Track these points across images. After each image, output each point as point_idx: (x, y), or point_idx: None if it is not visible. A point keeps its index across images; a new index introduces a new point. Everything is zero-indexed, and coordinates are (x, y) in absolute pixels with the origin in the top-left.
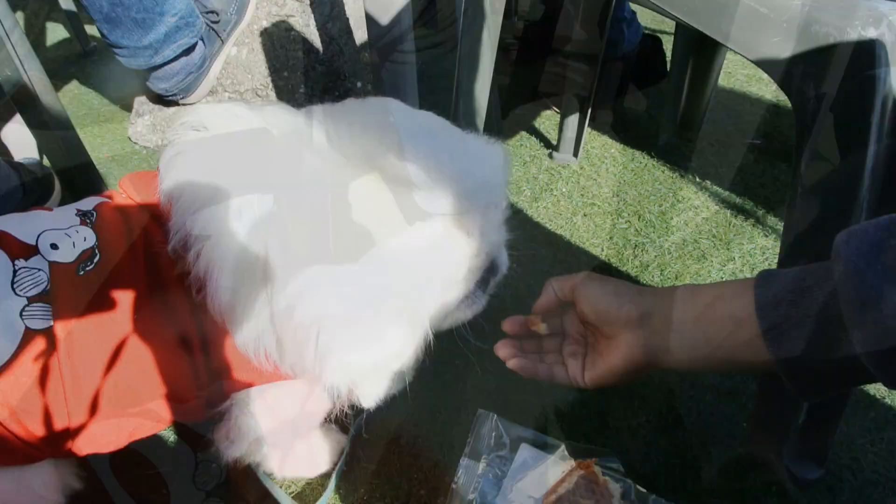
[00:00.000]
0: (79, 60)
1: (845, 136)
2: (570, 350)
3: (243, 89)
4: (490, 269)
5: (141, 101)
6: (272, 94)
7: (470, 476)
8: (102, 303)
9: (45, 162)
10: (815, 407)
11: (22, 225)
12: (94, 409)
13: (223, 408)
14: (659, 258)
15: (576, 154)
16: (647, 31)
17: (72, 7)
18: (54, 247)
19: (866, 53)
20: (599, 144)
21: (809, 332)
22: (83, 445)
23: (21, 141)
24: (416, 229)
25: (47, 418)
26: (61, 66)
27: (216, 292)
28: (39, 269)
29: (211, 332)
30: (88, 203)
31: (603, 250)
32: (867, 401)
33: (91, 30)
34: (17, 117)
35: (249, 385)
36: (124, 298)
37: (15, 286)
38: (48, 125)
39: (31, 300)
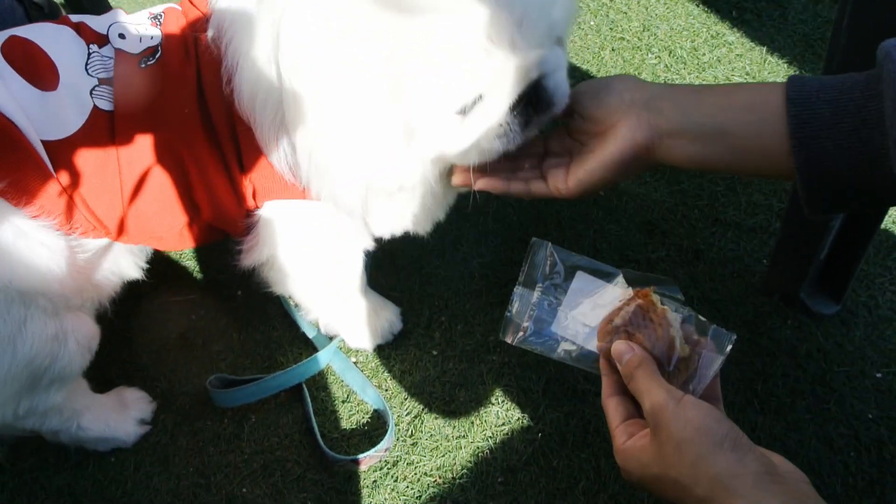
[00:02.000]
0: None
1: None
2: (552, 163)
3: None
4: (534, 101)
5: None
6: None
7: (524, 304)
8: (158, 98)
9: None
10: (836, 244)
11: (98, 19)
12: (139, 205)
13: (252, 221)
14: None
15: None
16: None
17: None
18: (122, 37)
19: None
20: None
21: (843, 133)
22: (132, 235)
23: None
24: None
25: (103, 194)
26: None
27: (241, 85)
28: (110, 57)
29: (242, 131)
30: (160, 7)
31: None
32: (891, 241)
33: None
34: None
35: (268, 195)
36: (177, 98)
37: (88, 67)
38: None
39: (101, 81)
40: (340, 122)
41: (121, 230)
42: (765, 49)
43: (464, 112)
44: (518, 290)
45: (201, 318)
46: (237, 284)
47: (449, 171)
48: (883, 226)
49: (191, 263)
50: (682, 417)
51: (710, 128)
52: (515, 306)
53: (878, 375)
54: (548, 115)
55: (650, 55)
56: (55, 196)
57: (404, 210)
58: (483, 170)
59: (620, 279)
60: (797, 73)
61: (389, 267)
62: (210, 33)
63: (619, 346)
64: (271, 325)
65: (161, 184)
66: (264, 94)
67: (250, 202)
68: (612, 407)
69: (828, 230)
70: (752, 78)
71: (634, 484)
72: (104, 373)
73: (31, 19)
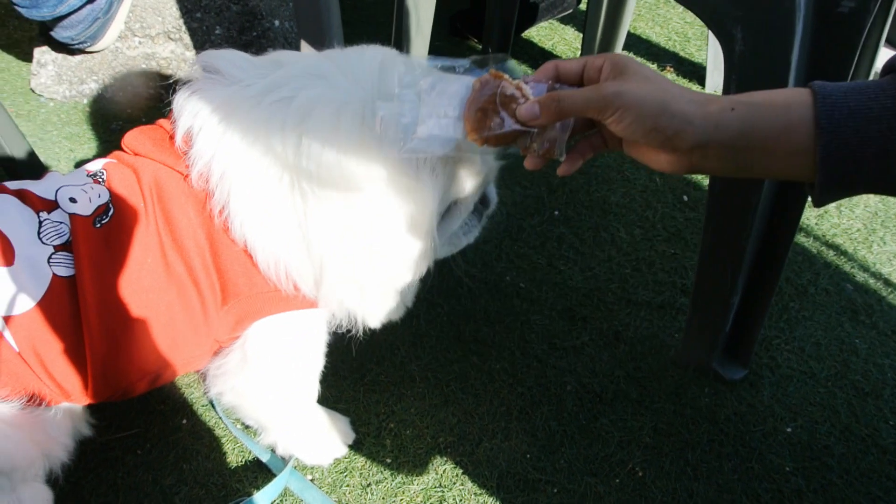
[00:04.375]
0: None
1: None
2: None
3: (154, 33)
4: (483, 201)
5: (42, 51)
6: (186, 37)
7: (390, 113)
8: (119, 255)
9: None
10: (739, 314)
11: (39, 184)
12: (111, 359)
13: (226, 348)
14: (586, 185)
15: None
16: None
17: None
18: (73, 200)
19: None
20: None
21: (869, 119)
22: (98, 392)
23: None
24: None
25: (68, 362)
26: None
27: (240, 213)
28: (61, 222)
29: (226, 260)
30: (96, 164)
31: (533, 181)
32: (781, 305)
33: None
34: None
35: (258, 315)
36: (139, 250)
37: (41, 236)
38: None
39: (56, 248)
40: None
41: (87, 391)
42: None
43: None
44: (379, 105)
45: (148, 453)
46: (181, 413)
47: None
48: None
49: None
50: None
51: (734, 121)
52: (382, 119)
53: (789, 430)
54: (490, 209)
55: None
56: (20, 372)
57: (396, 301)
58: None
59: (468, 65)
60: None
61: (332, 378)
62: (195, 170)
63: (524, 108)
64: (222, 451)
65: (130, 338)
66: (280, 230)
67: (222, 334)
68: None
69: (730, 306)
70: (641, 165)
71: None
72: None
73: None
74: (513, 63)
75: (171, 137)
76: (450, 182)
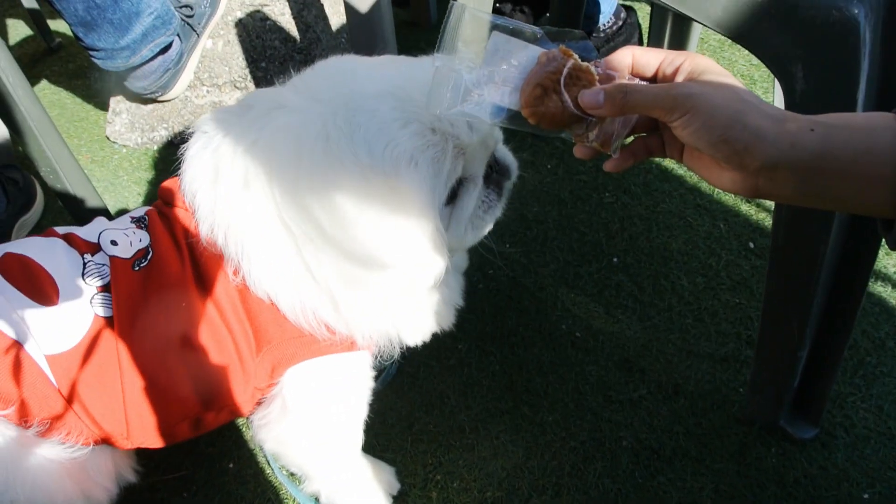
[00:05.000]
0: (45, 58)
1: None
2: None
3: (221, 82)
4: (501, 171)
5: (117, 100)
6: (251, 86)
7: (443, 71)
8: (155, 298)
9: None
10: (808, 369)
11: (84, 228)
12: (146, 402)
13: (267, 396)
14: (646, 231)
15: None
16: (622, 2)
17: (34, 4)
18: (114, 243)
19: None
20: None
21: None
22: (137, 436)
23: None
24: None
25: (107, 403)
26: (27, 66)
27: (252, 270)
28: (104, 264)
29: (255, 308)
30: (140, 211)
31: (592, 226)
32: (856, 359)
33: (55, 24)
34: None
35: (291, 361)
36: (175, 295)
37: (85, 277)
38: (30, 128)
39: (98, 289)
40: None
41: (123, 434)
42: None
43: (453, 198)
44: (437, 58)
45: (194, 496)
46: (228, 457)
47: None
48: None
49: None
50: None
51: (812, 141)
52: (435, 75)
53: (866, 496)
54: (511, 179)
55: (606, 194)
56: (59, 409)
57: (430, 309)
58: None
59: (539, 34)
60: (742, 196)
61: (380, 427)
62: (203, 232)
63: (588, 95)
64: (266, 497)
65: (166, 382)
66: (292, 281)
67: (260, 381)
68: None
69: (797, 359)
70: (704, 209)
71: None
72: None
73: (6, 194)
74: (590, 44)
75: None
76: (439, 165)
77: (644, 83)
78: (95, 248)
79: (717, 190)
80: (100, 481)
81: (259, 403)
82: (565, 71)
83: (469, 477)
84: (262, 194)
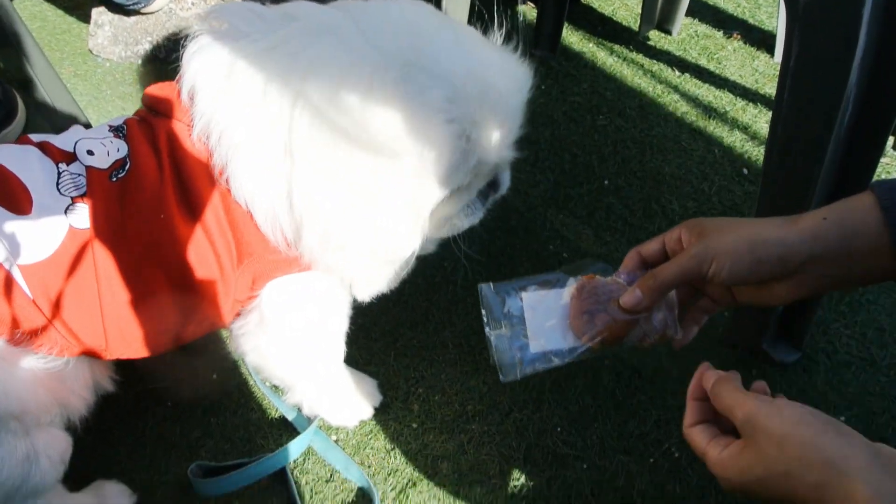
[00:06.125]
0: None
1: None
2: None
3: None
4: (492, 184)
5: (99, 12)
6: None
7: (501, 342)
8: (133, 210)
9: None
10: None
11: (60, 137)
12: (125, 314)
13: (246, 308)
14: (639, 154)
15: (553, 50)
16: None
17: None
18: (90, 153)
19: None
20: (577, 40)
21: None
22: (116, 347)
23: None
24: (432, 125)
25: (84, 314)
26: None
27: (238, 174)
28: (79, 174)
29: (239, 219)
30: (119, 120)
31: (584, 148)
32: None
33: None
34: None
35: (270, 275)
36: (153, 206)
37: (60, 187)
38: (9, 41)
39: (74, 200)
40: (370, 216)
41: (101, 346)
42: (707, 103)
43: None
44: (490, 334)
45: (177, 405)
46: (211, 368)
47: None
48: None
49: None
50: (780, 415)
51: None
52: (495, 349)
53: (843, 419)
54: (498, 194)
55: (601, 116)
56: (34, 320)
57: (388, 274)
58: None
59: (561, 276)
60: (740, 122)
61: (364, 341)
62: (197, 130)
63: (627, 297)
64: (249, 407)
65: (144, 294)
66: (270, 188)
67: (241, 293)
68: (697, 432)
69: None
70: (699, 133)
71: (736, 490)
72: (81, 469)
73: None
74: (601, 263)
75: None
76: (455, 171)
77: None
78: (71, 157)
79: (713, 115)
80: (76, 390)
81: (238, 315)
82: (598, 290)
83: (451, 391)
84: (277, 108)
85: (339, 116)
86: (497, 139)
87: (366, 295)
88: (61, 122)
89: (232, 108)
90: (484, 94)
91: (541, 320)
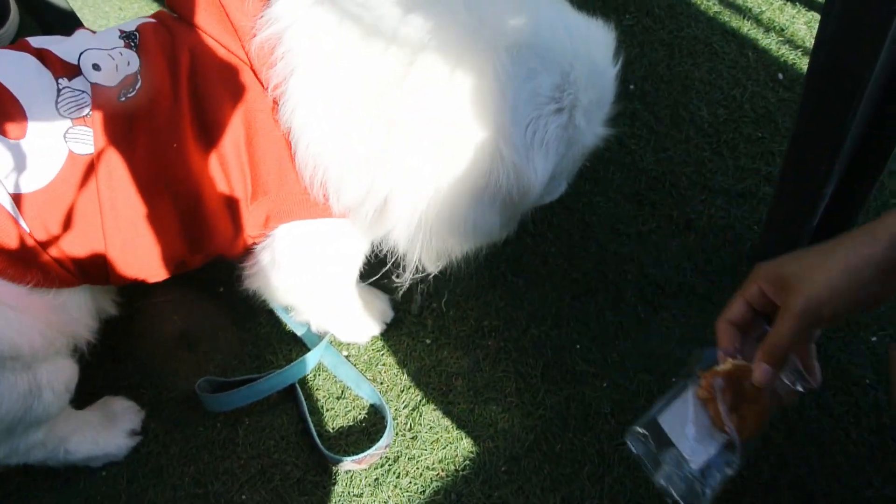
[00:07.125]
0: None
1: None
2: None
3: None
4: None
5: None
6: None
7: (672, 480)
8: (143, 136)
9: None
10: (830, 208)
11: (64, 43)
12: (130, 245)
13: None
14: (668, 58)
15: None
16: None
17: None
18: (97, 67)
19: None
20: None
21: None
22: (119, 276)
23: None
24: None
25: (83, 243)
26: None
27: (294, 94)
28: (83, 91)
29: (261, 152)
30: (131, 24)
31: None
32: (880, 201)
33: None
34: None
35: (286, 217)
36: (166, 132)
37: (59, 107)
38: None
39: (74, 122)
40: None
41: (105, 275)
42: (741, 2)
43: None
44: (660, 480)
45: (184, 320)
46: (219, 281)
47: None
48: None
49: None
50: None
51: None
52: (675, 490)
53: (874, 339)
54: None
55: (627, 16)
56: (29, 253)
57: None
58: None
59: (682, 383)
60: (776, 23)
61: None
62: (263, 35)
63: (758, 375)
64: (258, 322)
65: (150, 225)
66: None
67: (252, 230)
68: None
69: (821, 197)
70: (732, 35)
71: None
72: (88, 385)
73: None
74: (697, 349)
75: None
76: (557, 164)
77: (769, 327)
78: (74, 70)
79: (747, 15)
80: (80, 319)
81: (249, 248)
82: (726, 382)
83: (466, 305)
84: (372, 47)
85: (449, 98)
86: (598, 120)
87: (434, 267)
88: (55, 22)
89: (318, 23)
90: (590, 75)
91: (689, 436)
